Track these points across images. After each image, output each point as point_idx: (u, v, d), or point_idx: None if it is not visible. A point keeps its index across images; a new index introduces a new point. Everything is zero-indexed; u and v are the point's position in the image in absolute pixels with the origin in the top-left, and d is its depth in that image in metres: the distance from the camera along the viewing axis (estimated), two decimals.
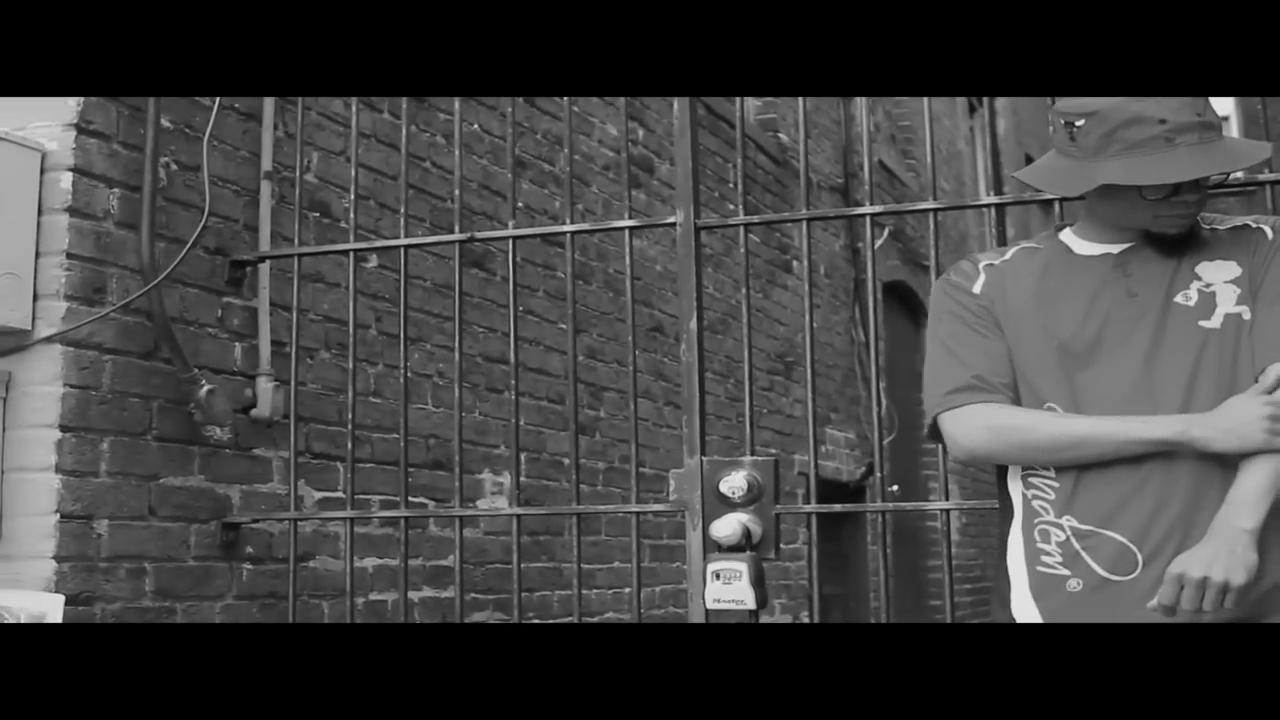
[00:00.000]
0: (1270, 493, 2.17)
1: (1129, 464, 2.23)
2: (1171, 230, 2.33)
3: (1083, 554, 2.24)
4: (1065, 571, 2.26)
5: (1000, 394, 2.35)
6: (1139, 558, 2.21)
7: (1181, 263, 2.35)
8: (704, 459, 2.96)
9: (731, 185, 7.09)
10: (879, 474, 3.05)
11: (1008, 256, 2.49)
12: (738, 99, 3.52)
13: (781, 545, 2.91)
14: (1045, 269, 2.43)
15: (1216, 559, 2.11)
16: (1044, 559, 2.28)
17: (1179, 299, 2.31)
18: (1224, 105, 20.22)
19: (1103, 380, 2.29)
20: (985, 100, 12.63)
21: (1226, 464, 2.21)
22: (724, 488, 2.90)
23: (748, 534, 2.83)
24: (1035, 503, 2.32)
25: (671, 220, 3.21)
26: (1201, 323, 2.29)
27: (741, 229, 3.20)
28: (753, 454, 3.00)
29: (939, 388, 2.40)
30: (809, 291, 3.12)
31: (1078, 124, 2.35)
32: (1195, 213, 2.35)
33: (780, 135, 8.07)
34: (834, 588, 7.97)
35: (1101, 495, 2.25)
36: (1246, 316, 2.29)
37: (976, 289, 2.45)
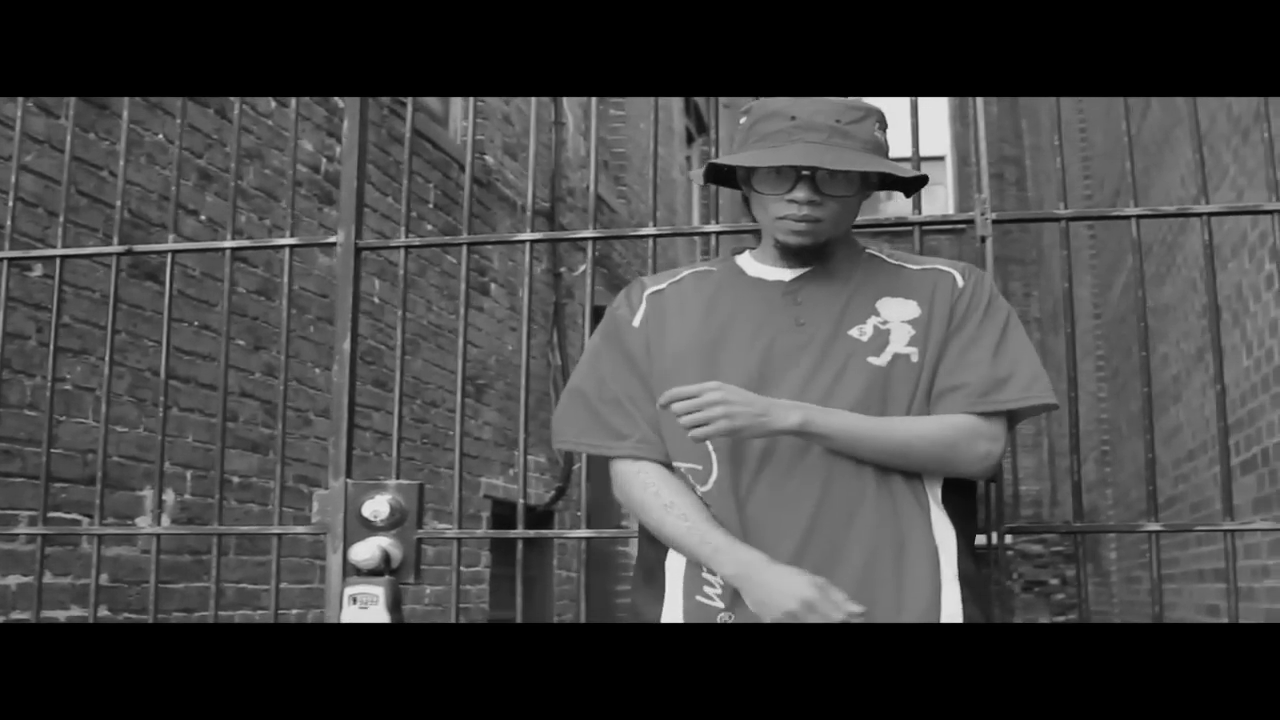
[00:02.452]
0: None
1: (790, 506, 2.23)
2: (789, 239, 2.31)
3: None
4: (721, 605, 2.25)
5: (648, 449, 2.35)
6: None
7: (856, 295, 2.35)
8: (349, 481, 2.93)
9: (432, 205, 7.07)
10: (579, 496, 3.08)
11: (678, 279, 2.48)
12: (445, 119, 3.49)
13: (462, 569, 2.90)
14: (715, 293, 2.41)
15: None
16: (706, 589, 2.27)
17: (853, 332, 2.30)
18: (941, 144, 20.80)
19: None
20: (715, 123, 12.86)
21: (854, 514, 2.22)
22: (366, 511, 2.87)
23: (387, 558, 2.81)
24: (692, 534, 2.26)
25: (333, 240, 3.17)
26: (871, 359, 2.28)
27: (403, 251, 3.18)
28: (400, 474, 2.98)
29: (595, 427, 2.39)
30: (463, 314, 3.10)
31: (740, 121, 2.37)
32: (813, 219, 2.28)
33: (486, 157, 8.08)
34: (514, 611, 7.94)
35: (769, 535, 2.22)
36: (914, 359, 2.29)
37: (636, 321, 2.43)
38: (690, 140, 13.60)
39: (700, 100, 13.19)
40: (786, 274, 2.38)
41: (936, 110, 19.03)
